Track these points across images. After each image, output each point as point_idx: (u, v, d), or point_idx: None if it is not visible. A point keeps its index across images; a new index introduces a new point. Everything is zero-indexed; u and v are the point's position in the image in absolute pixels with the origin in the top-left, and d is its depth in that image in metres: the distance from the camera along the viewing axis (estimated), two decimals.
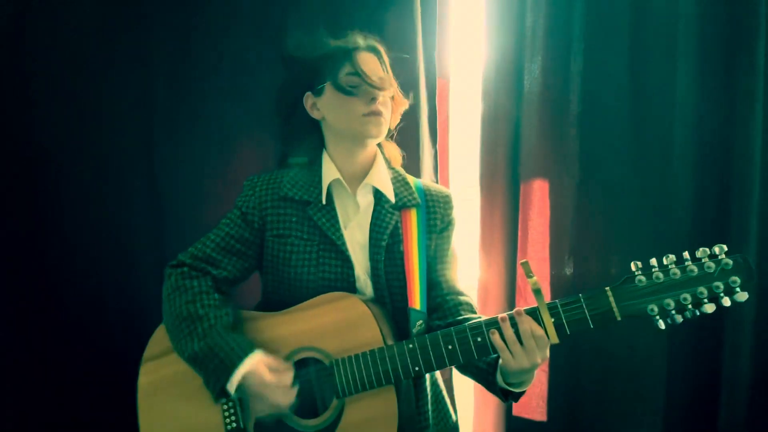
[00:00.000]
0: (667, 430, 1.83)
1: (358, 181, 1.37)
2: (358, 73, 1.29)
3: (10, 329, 1.75)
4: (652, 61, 1.78)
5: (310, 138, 1.39)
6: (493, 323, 1.18)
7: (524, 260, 1.18)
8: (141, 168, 1.83)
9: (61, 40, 1.76)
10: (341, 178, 1.35)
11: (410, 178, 1.44)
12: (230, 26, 1.81)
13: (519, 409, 1.97)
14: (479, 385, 1.99)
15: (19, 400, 1.77)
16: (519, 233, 1.97)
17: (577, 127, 1.85)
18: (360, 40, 1.35)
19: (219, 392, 1.22)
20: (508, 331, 1.16)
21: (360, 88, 1.30)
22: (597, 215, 1.87)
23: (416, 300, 1.31)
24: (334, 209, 1.35)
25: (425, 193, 1.42)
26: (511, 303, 2.00)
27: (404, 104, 1.41)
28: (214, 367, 1.21)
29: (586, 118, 1.85)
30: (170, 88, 1.81)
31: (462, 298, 1.40)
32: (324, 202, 1.34)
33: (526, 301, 1.96)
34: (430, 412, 1.39)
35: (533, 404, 1.96)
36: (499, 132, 1.97)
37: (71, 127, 1.78)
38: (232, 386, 1.20)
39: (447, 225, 1.42)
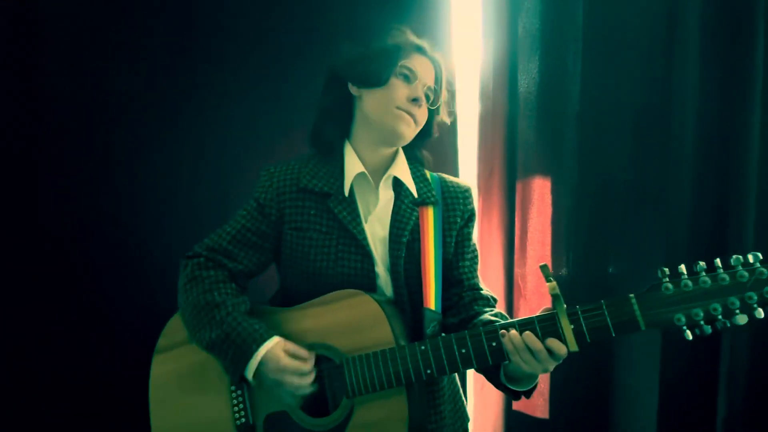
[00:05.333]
0: (666, 426, 1.82)
1: (379, 173, 1.33)
2: (412, 69, 1.26)
3: (21, 325, 1.75)
4: (651, 60, 1.77)
5: (340, 117, 1.33)
6: (507, 327, 1.13)
7: (543, 263, 1.12)
8: (139, 165, 1.84)
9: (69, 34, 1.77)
10: (366, 172, 1.30)
11: (427, 173, 1.40)
12: (233, 24, 1.83)
13: (520, 405, 1.96)
14: (478, 381, 2.01)
15: (32, 393, 1.77)
16: (519, 233, 1.95)
17: (576, 126, 1.84)
18: (426, 46, 1.31)
19: (239, 379, 1.21)
20: (516, 339, 1.10)
21: (411, 80, 1.26)
22: (596, 215, 1.86)
23: (431, 300, 1.27)
24: (354, 202, 1.30)
25: (442, 187, 1.37)
26: (509, 302, 1.98)
27: (445, 121, 1.38)
28: (232, 354, 1.20)
29: (585, 117, 1.83)
30: (175, 85, 1.82)
31: (481, 293, 1.35)
32: (347, 195, 1.29)
33: (526, 300, 1.93)
34: (447, 411, 1.35)
35: (534, 402, 1.94)
36: (496, 132, 1.96)
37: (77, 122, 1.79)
38: (250, 372, 1.19)
39: (467, 220, 1.38)
